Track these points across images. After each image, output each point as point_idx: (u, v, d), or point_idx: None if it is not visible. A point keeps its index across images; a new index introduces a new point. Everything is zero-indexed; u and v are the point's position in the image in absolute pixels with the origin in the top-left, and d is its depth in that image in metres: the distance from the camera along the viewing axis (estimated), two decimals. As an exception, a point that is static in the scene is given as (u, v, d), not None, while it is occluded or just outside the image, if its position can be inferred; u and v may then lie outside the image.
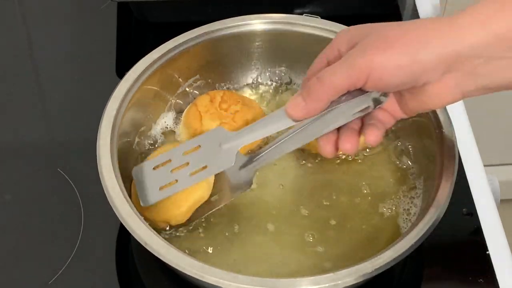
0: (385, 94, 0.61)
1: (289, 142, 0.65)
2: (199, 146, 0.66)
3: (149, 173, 0.67)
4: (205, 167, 0.65)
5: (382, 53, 0.55)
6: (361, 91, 0.59)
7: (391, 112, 0.62)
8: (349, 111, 0.61)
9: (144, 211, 0.67)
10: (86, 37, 0.94)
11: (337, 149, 0.63)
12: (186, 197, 0.68)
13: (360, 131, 0.62)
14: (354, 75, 0.56)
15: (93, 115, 0.71)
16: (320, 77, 0.57)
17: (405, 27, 0.56)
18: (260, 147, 0.71)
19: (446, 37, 0.54)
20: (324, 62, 0.62)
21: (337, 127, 0.62)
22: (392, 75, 0.56)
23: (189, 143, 0.67)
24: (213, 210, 0.69)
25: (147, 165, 0.68)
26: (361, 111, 0.61)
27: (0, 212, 0.75)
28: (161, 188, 0.66)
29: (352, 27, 0.61)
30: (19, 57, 0.91)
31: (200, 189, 0.68)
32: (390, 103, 0.61)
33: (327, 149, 0.63)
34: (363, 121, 0.62)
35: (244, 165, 0.68)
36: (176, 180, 0.66)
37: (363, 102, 0.60)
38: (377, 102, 0.61)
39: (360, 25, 0.60)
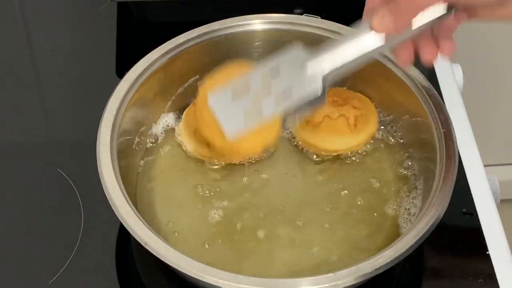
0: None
1: (359, 50, 0.61)
2: (278, 68, 0.62)
3: (230, 102, 0.62)
4: (289, 94, 0.61)
5: None
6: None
7: (457, 19, 0.61)
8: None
9: (234, 142, 0.64)
10: (86, 37, 0.94)
11: (414, 57, 0.62)
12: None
13: (435, 39, 0.61)
14: None
15: (93, 115, 0.71)
16: None
17: None
18: None
19: None
20: None
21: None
22: None
23: (266, 65, 0.63)
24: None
25: (226, 92, 0.63)
26: (434, 20, 0.59)
27: (0, 212, 0.75)
28: (246, 118, 0.62)
29: None
30: (19, 57, 0.91)
31: None
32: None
33: (403, 57, 0.62)
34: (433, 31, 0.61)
35: (311, 70, 0.62)
36: (261, 109, 0.62)
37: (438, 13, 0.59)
38: (449, 10, 0.59)
39: None
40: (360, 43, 0.60)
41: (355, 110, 0.74)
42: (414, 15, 0.58)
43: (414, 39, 0.61)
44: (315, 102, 0.63)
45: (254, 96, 0.62)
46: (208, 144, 0.71)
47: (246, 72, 0.64)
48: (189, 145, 0.75)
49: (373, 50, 0.60)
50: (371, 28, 0.59)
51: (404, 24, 0.58)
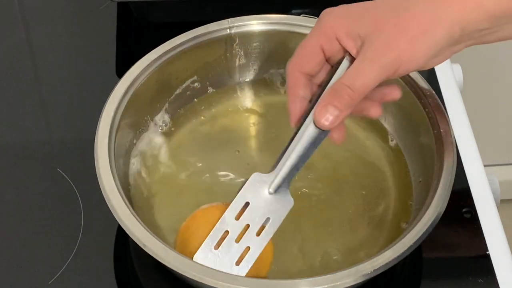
0: None
1: (309, 148, 0.62)
2: (248, 202, 0.63)
3: (215, 254, 0.62)
4: (267, 220, 0.62)
5: (408, 46, 0.56)
6: None
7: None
8: None
9: None
10: (86, 37, 0.94)
11: (345, 133, 0.64)
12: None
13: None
14: (384, 74, 0.57)
15: (93, 115, 0.71)
16: (351, 85, 0.58)
17: (410, 9, 0.57)
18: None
19: (453, 12, 0.56)
20: (321, 54, 0.61)
21: None
22: (417, 65, 0.58)
23: (234, 205, 0.63)
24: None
25: (206, 247, 0.62)
26: None
27: (0, 212, 0.75)
28: (237, 263, 0.62)
29: (336, 11, 0.61)
30: (19, 57, 0.91)
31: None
32: None
33: (337, 137, 0.63)
34: None
35: (275, 189, 0.63)
36: (249, 247, 0.62)
37: None
38: None
39: (347, 8, 0.61)
40: (309, 139, 0.62)
41: None
42: (357, 102, 0.59)
43: None
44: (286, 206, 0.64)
45: (235, 239, 0.63)
46: None
47: (217, 218, 0.63)
48: None
49: (317, 142, 0.62)
50: (319, 127, 0.60)
51: (348, 112, 0.60)
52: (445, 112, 0.70)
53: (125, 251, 0.71)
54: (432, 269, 0.70)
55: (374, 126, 0.77)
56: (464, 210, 0.73)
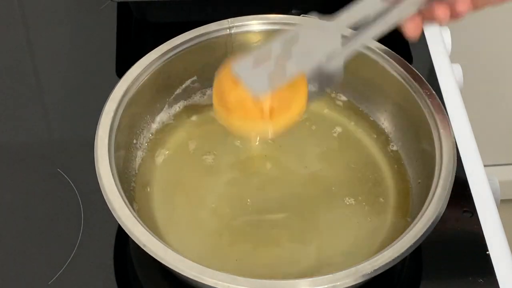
0: None
1: (376, 25, 0.62)
2: (298, 38, 0.63)
3: (253, 67, 0.63)
4: (310, 54, 0.63)
5: None
6: None
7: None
8: None
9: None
10: (86, 37, 0.94)
11: (421, 28, 0.63)
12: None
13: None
14: None
15: (93, 115, 0.71)
16: None
17: None
18: None
19: None
20: None
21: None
22: None
23: (285, 34, 0.64)
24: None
25: (248, 59, 0.64)
26: None
27: (0, 212, 0.75)
28: (270, 79, 0.63)
29: None
30: (19, 57, 0.91)
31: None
32: None
33: (411, 29, 0.62)
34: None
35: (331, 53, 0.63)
36: (284, 71, 0.63)
37: None
38: None
39: None
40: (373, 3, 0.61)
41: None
42: None
43: (421, 10, 0.61)
44: (333, 76, 0.64)
45: (275, 60, 0.63)
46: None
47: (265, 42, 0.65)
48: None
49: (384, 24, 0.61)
50: None
51: None
52: (445, 112, 0.70)
53: (125, 251, 0.71)
54: (432, 269, 0.70)
55: (374, 126, 0.77)
56: (464, 210, 0.73)
